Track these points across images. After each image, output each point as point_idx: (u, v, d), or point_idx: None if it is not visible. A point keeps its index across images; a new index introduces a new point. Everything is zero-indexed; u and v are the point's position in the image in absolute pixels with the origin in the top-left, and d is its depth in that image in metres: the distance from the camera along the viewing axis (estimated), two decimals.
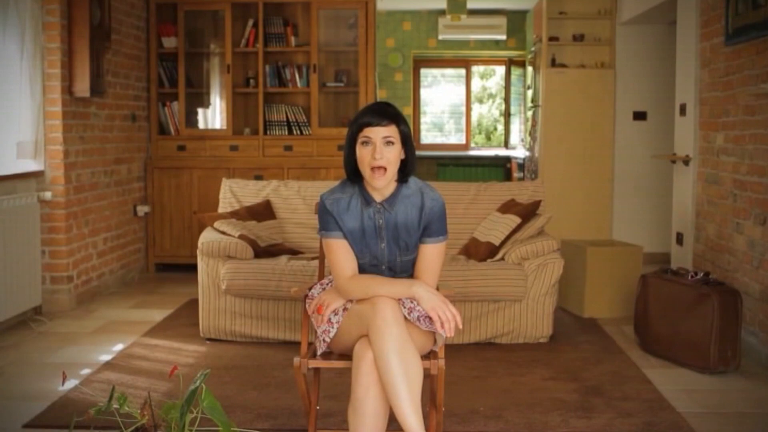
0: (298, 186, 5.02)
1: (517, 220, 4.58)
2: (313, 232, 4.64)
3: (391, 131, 2.68)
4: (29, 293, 4.90)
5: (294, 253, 4.76)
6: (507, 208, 4.75)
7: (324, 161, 6.61)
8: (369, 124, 2.68)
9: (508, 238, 4.56)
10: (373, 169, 2.67)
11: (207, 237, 4.51)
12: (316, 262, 4.30)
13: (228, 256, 4.43)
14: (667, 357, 4.18)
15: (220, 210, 4.97)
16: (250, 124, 6.89)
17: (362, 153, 2.69)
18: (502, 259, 4.50)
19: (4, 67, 4.76)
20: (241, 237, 4.49)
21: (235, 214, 4.78)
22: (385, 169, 2.67)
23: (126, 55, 6.24)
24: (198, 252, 4.50)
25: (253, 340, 4.47)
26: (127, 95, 6.28)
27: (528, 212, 4.64)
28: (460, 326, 2.62)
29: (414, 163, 2.78)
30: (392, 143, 2.68)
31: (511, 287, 4.36)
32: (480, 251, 4.58)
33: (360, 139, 2.69)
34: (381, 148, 2.66)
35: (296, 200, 4.95)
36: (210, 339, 4.50)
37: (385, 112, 2.70)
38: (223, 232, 4.58)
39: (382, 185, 2.70)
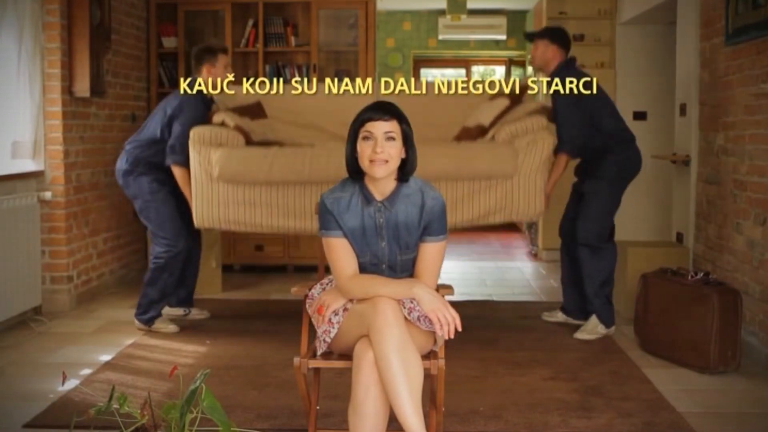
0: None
1: (506, 101, 4.58)
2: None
3: (392, 126, 2.69)
4: (29, 293, 4.90)
5: None
6: (495, 97, 4.76)
7: None
8: (371, 119, 2.68)
9: (497, 120, 4.53)
10: (372, 160, 2.67)
11: (199, 128, 4.42)
12: (310, 149, 4.33)
13: (219, 144, 4.33)
14: (667, 357, 4.18)
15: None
16: None
17: (363, 147, 2.69)
18: (493, 138, 4.45)
19: (4, 67, 4.76)
20: (237, 128, 4.43)
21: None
22: (386, 161, 2.68)
23: (126, 55, 6.23)
24: (189, 142, 4.36)
25: (247, 228, 4.38)
26: (127, 95, 6.28)
27: (516, 97, 4.65)
28: (460, 329, 2.62)
29: (415, 162, 2.79)
30: (393, 139, 2.68)
31: (502, 164, 4.27)
32: (471, 134, 4.56)
33: (361, 134, 2.70)
34: (382, 143, 2.66)
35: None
36: (205, 229, 4.47)
37: (387, 109, 2.72)
38: (222, 123, 4.48)
39: (381, 174, 2.69)
